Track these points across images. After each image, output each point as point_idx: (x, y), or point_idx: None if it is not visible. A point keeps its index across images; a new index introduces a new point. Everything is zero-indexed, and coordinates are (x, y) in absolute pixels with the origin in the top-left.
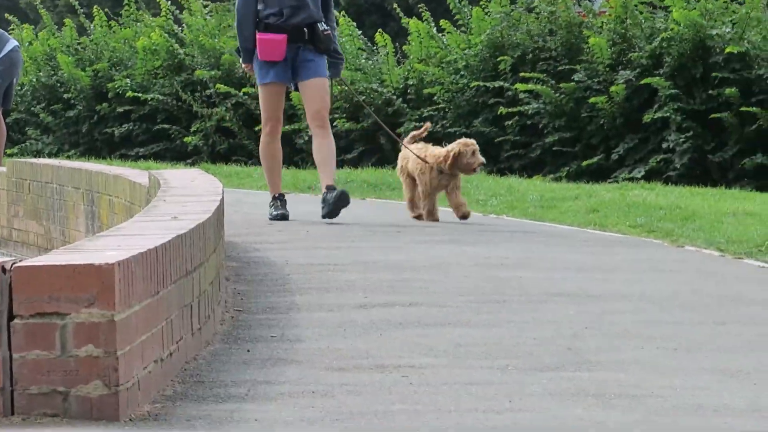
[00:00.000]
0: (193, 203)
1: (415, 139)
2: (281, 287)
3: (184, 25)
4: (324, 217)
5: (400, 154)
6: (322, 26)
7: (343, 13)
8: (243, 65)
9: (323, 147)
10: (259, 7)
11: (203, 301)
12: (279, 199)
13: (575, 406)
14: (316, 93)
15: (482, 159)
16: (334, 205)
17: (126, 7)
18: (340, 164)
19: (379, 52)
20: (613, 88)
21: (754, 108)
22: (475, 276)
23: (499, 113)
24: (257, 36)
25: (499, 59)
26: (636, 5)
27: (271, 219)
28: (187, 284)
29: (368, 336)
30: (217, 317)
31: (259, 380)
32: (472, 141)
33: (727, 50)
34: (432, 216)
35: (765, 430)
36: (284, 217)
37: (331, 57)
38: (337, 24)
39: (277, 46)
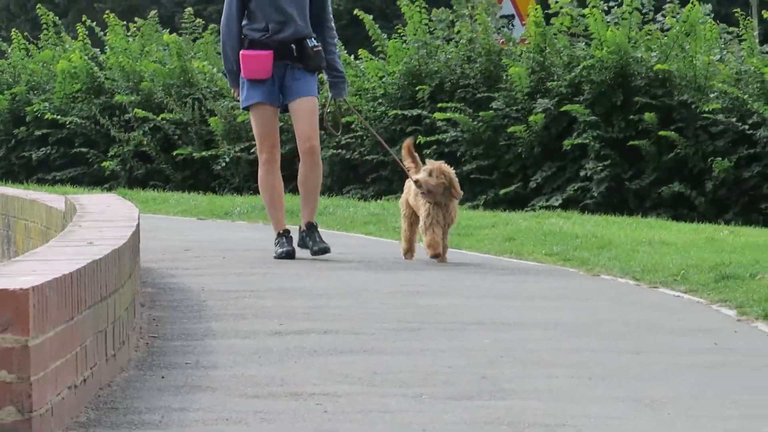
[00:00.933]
0: (109, 229)
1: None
2: (197, 314)
3: (106, 47)
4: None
5: (405, 184)
6: (311, 42)
7: None
8: (232, 90)
9: (310, 179)
10: (244, 23)
11: (118, 327)
12: (284, 236)
13: None
14: (304, 116)
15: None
16: (315, 254)
17: (45, 31)
18: (257, 191)
19: None
20: (531, 118)
21: (673, 134)
22: (391, 303)
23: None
24: (241, 53)
25: (417, 88)
26: (555, 34)
27: (276, 257)
28: (102, 310)
29: (283, 363)
30: (131, 343)
31: (174, 407)
32: (434, 164)
33: (657, 67)
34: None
35: None
36: (290, 255)
37: (330, 76)
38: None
39: (262, 63)
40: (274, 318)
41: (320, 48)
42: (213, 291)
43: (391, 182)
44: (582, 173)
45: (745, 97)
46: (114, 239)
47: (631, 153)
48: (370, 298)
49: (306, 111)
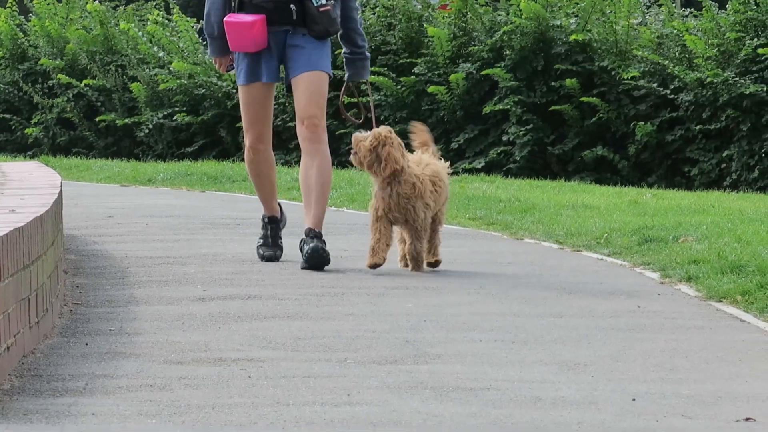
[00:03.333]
0: (31, 196)
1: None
2: (120, 280)
3: (32, 14)
4: (303, 269)
5: None
6: (317, 0)
7: (178, 10)
8: (213, 60)
9: (312, 171)
10: None
11: (41, 295)
12: (270, 225)
13: (413, 399)
14: (306, 93)
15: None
16: (308, 261)
17: None
18: (180, 157)
19: None
20: (452, 77)
21: (595, 99)
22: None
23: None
24: (225, 20)
25: (336, 52)
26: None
27: (259, 258)
28: (25, 277)
29: (207, 329)
30: (55, 310)
31: (97, 374)
32: (383, 130)
33: (572, 38)
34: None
35: (601, 422)
36: (271, 260)
37: (346, 50)
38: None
39: (249, 31)
40: (198, 284)
41: (329, 7)
42: (136, 258)
43: None
44: (504, 138)
45: (666, 62)
46: (36, 207)
47: (553, 117)
48: (293, 263)
49: (309, 88)
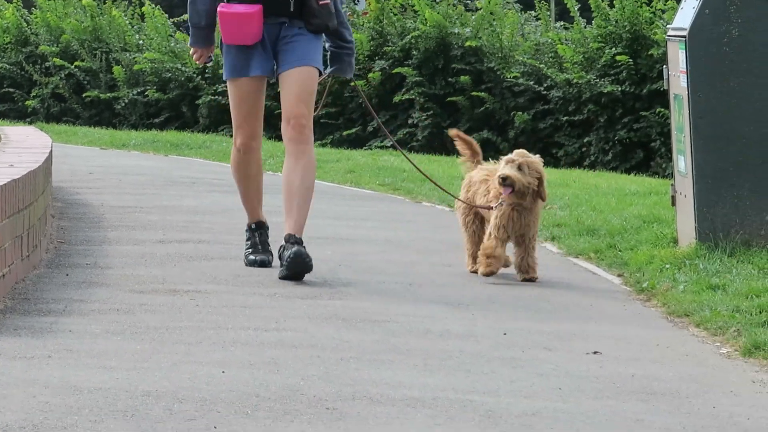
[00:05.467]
0: (26, 154)
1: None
2: (96, 224)
3: (34, 7)
4: (282, 278)
5: (464, 182)
6: None
7: (152, 5)
8: (190, 50)
9: (296, 174)
10: None
11: (32, 234)
12: (257, 232)
13: (328, 327)
14: (294, 89)
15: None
16: (290, 267)
17: None
18: (150, 127)
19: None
20: (370, 75)
21: (483, 93)
22: None
23: (278, 92)
24: (219, 9)
25: None
26: (391, 9)
27: (247, 264)
28: (19, 219)
29: (165, 266)
30: (43, 247)
31: (75, 299)
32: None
33: (467, 44)
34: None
35: (478, 351)
36: (264, 264)
37: (333, 44)
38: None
39: (247, 23)
40: (159, 230)
41: (329, 1)
42: (110, 207)
43: None
44: (410, 121)
45: (541, 65)
46: (30, 163)
47: (449, 106)
48: (236, 215)
49: (299, 85)
